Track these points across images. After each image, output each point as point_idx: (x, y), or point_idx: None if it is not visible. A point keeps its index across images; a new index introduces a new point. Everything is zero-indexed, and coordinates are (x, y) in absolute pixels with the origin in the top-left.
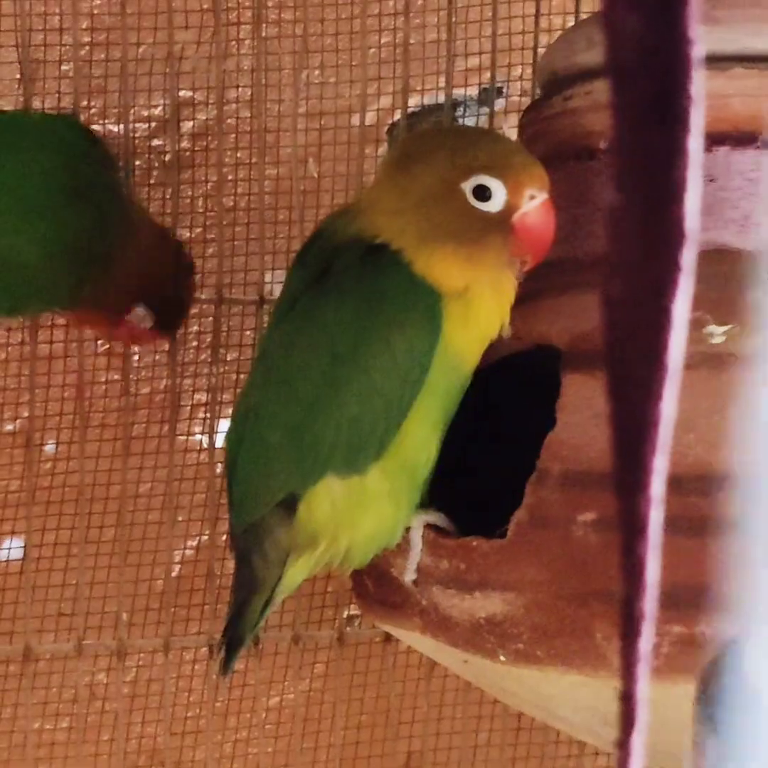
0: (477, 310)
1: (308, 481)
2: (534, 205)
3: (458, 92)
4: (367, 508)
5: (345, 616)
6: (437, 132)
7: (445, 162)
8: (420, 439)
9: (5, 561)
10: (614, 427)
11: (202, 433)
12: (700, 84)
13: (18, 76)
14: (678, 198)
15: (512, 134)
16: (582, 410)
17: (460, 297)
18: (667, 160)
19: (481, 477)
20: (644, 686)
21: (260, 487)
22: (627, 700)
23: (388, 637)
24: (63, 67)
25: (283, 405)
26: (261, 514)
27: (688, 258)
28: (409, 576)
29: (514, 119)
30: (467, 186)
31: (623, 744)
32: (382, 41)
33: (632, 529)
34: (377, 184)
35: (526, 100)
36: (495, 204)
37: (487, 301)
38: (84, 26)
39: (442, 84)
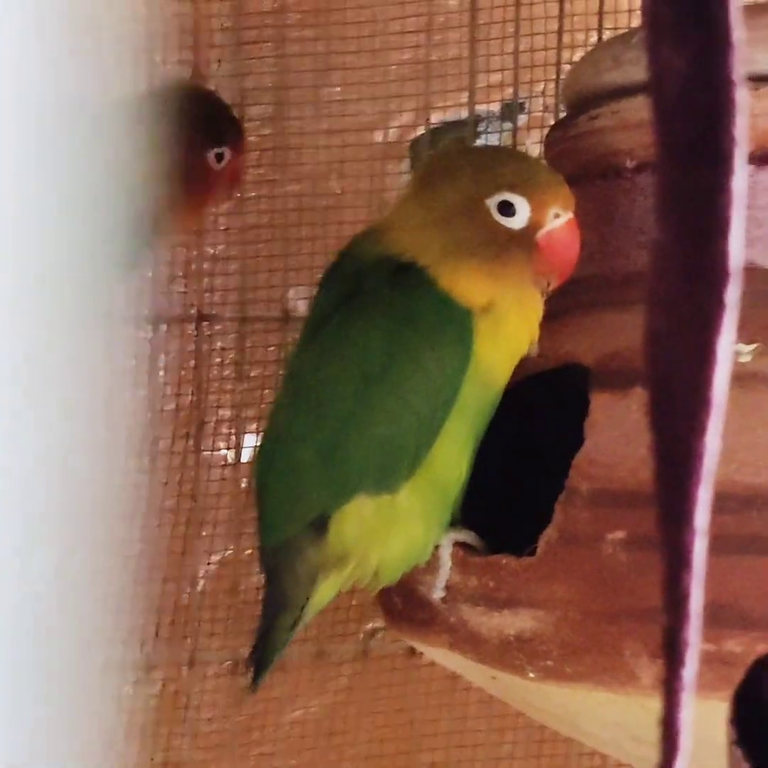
0: (505, 327)
1: (339, 501)
2: (558, 223)
3: (480, 108)
4: (398, 527)
5: (368, 629)
6: (463, 150)
7: (470, 179)
8: (451, 458)
9: None
10: (657, 458)
11: (227, 448)
12: (743, 126)
13: None
14: (722, 236)
15: (535, 149)
16: (611, 429)
17: (487, 314)
18: (710, 199)
19: (511, 495)
20: (688, 714)
21: (291, 506)
22: (669, 727)
23: (411, 651)
24: None
25: (313, 425)
26: (291, 534)
27: (732, 295)
28: (437, 593)
29: (536, 135)
30: (492, 202)
31: None
32: (404, 58)
33: (676, 559)
34: (402, 202)
35: (549, 116)
36: (519, 220)
37: (514, 318)
38: None
39: (464, 100)
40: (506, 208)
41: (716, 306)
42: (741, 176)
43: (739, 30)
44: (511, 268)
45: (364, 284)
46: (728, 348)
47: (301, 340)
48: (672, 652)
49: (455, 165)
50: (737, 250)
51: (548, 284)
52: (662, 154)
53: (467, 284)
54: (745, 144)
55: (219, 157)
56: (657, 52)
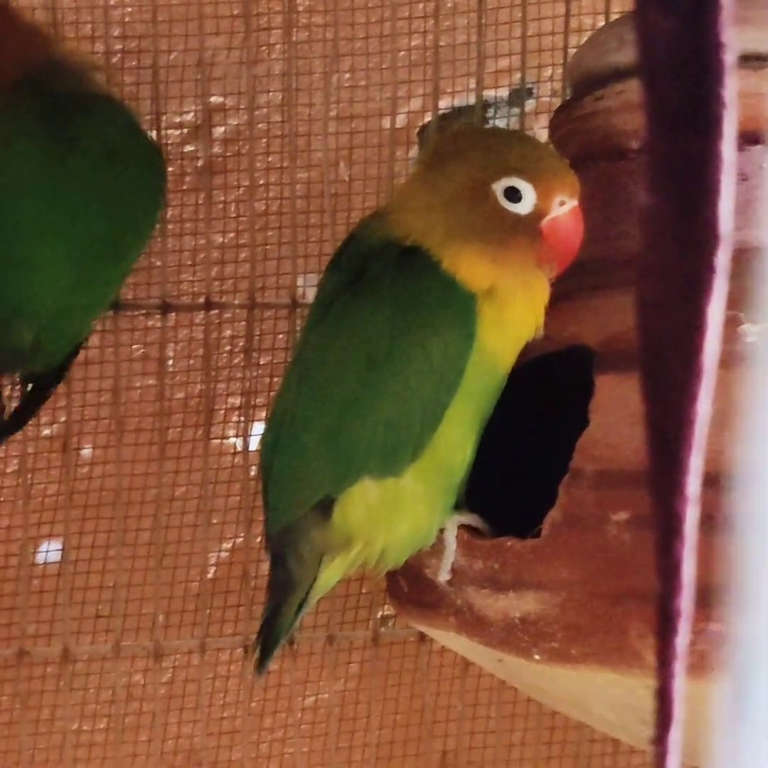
0: (510, 311)
1: (344, 484)
2: (563, 211)
3: (489, 94)
4: (402, 510)
5: (379, 616)
6: (470, 132)
7: (477, 162)
8: (455, 442)
9: (43, 564)
10: (650, 428)
11: (236, 436)
12: (733, 89)
13: None
14: (711, 201)
15: (543, 135)
16: (615, 410)
17: (492, 298)
18: (700, 164)
19: (515, 477)
20: (680, 684)
21: (296, 489)
22: (663, 698)
23: (422, 637)
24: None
25: (319, 408)
26: (296, 517)
27: (722, 260)
28: (443, 576)
29: (544, 120)
30: (498, 187)
31: (660, 741)
32: (412, 44)
33: (668, 528)
34: (408, 183)
35: (557, 101)
36: (524, 206)
37: (519, 302)
38: (116, 34)
39: (472, 86)
40: (512, 194)
41: (707, 272)
42: (730, 140)
43: None
44: (515, 253)
45: (370, 268)
46: (719, 314)
47: (307, 324)
48: (664, 622)
49: (462, 147)
50: (727, 215)
51: (550, 270)
52: (651, 119)
53: (470, 267)
54: (735, 108)
55: None
56: (644, 15)
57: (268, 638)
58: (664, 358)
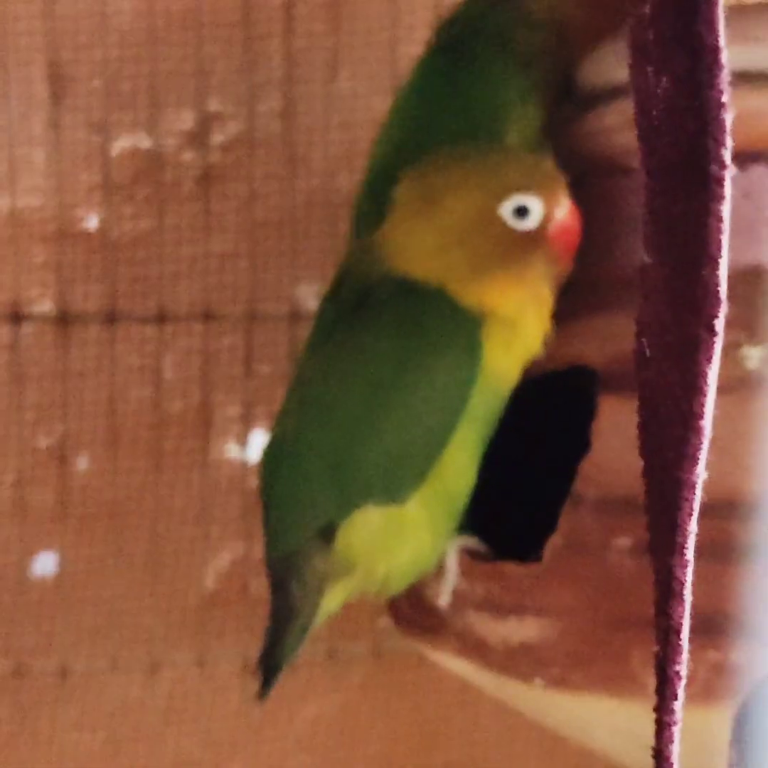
0: (523, 330)
1: (346, 511)
2: (564, 212)
3: None
4: (406, 537)
5: (381, 628)
6: (461, 158)
7: (478, 189)
8: (459, 467)
9: (39, 576)
10: (648, 486)
11: (236, 445)
12: (731, 149)
13: (48, 93)
14: (712, 264)
15: None
16: (618, 433)
17: (504, 319)
18: (699, 225)
19: (517, 500)
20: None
21: (298, 516)
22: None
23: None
24: (92, 83)
25: (321, 434)
26: (299, 543)
27: (721, 323)
28: (444, 599)
29: None
30: (505, 209)
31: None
32: (413, 52)
33: (668, 589)
34: (402, 220)
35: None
36: (532, 221)
37: (531, 316)
38: (113, 40)
39: None
40: (520, 212)
41: (707, 333)
42: (729, 201)
43: (726, 51)
44: (534, 269)
45: (373, 296)
46: (715, 376)
47: (307, 347)
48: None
49: (458, 176)
50: (724, 278)
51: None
52: (649, 178)
53: (498, 298)
54: (733, 169)
55: None
56: (641, 72)
57: (270, 666)
58: (661, 415)
